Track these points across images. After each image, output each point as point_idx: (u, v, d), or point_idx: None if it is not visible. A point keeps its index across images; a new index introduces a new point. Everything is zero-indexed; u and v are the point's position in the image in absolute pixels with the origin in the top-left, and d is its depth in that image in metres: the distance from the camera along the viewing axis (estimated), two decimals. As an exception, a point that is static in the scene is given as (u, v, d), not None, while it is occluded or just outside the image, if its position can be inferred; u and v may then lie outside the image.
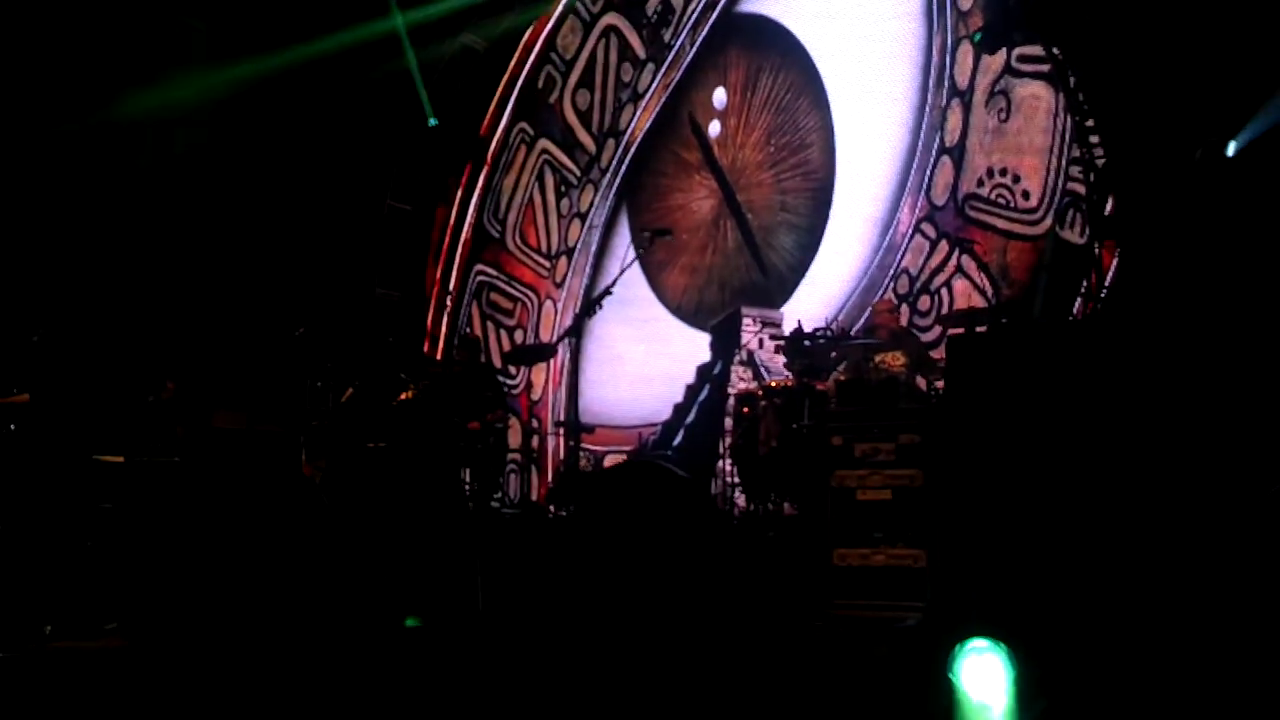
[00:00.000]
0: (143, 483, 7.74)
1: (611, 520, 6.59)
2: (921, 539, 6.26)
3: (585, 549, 6.77)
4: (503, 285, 11.93)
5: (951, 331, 7.76)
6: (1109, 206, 8.11)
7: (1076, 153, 8.37)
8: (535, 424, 11.20)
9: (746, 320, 9.89)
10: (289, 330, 9.37)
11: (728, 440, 9.05)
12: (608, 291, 7.65)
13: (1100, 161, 8.14)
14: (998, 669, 3.82)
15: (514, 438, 10.51)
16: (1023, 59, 8.79)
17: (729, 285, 10.46)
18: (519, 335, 11.75)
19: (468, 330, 11.78)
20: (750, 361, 9.86)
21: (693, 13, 11.02)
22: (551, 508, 9.64)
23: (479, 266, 12.08)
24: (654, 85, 11.25)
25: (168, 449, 8.56)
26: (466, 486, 8.96)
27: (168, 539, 7.27)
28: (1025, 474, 5.43)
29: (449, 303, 12.02)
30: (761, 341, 9.77)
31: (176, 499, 7.55)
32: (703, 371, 10.29)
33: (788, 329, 8.59)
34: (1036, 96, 8.77)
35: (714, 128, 10.79)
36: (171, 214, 10.85)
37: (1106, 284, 7.99)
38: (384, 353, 9.90)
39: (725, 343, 10.11)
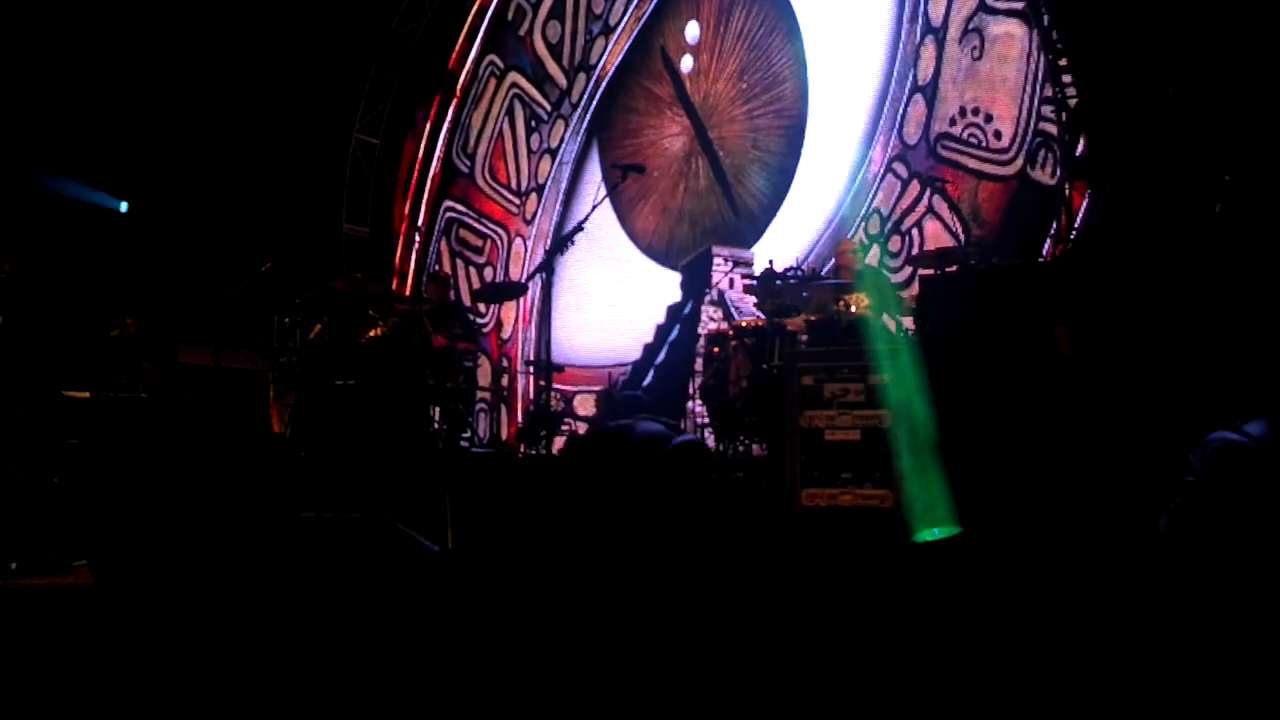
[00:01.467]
0: (109, 418, 7.67)
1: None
2: (889, 479, 6.30)
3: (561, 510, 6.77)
4: (472, 221, 11.82)
5: (922, 272, 7.75)
6: (1080, 147, 8.09)
7: (1049, 92, 8.33)
8: (505, 363, 11.16)
9: (717, 259, 9.85)
10: (256, 265, 9.25)
11: (698, 380, 9.05)
12: (579, 228, 7.57)
13: (1073, 101, 8.12)
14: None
15: (483, 376, 10.47)
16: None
17: (700, 224, 10.40)
18: (489, 272, 11.67)
19: (437, 267, 11.68)
20: (721, 301, 9.83)
21: (665, -56, 10.85)
22: (522, 446, 9.64)
23: (448, 202, 11.96)
24: (626, 18, 11.09)
25: (134, 385, 8.48)
26: (435, 425, 8.93)
27: (135, 475, 7.21)
28: (990, 411, 5.47)
29: (418, 239, 11.90)
30: (732, 281, 9.74)
31: (143, 434, 7.49)
32: (673, 311, 10.26)
33: (759, 269, 8.56)
34: (1010, 34, 8.69)
35: (686, 62, 10.66)
36: (136, 147, 10.66)
37: (1076, 225, 8.00)
38: (352, 290, 9.80)
39: (696, 282, 10.07)
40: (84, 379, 8.21)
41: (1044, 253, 8.25)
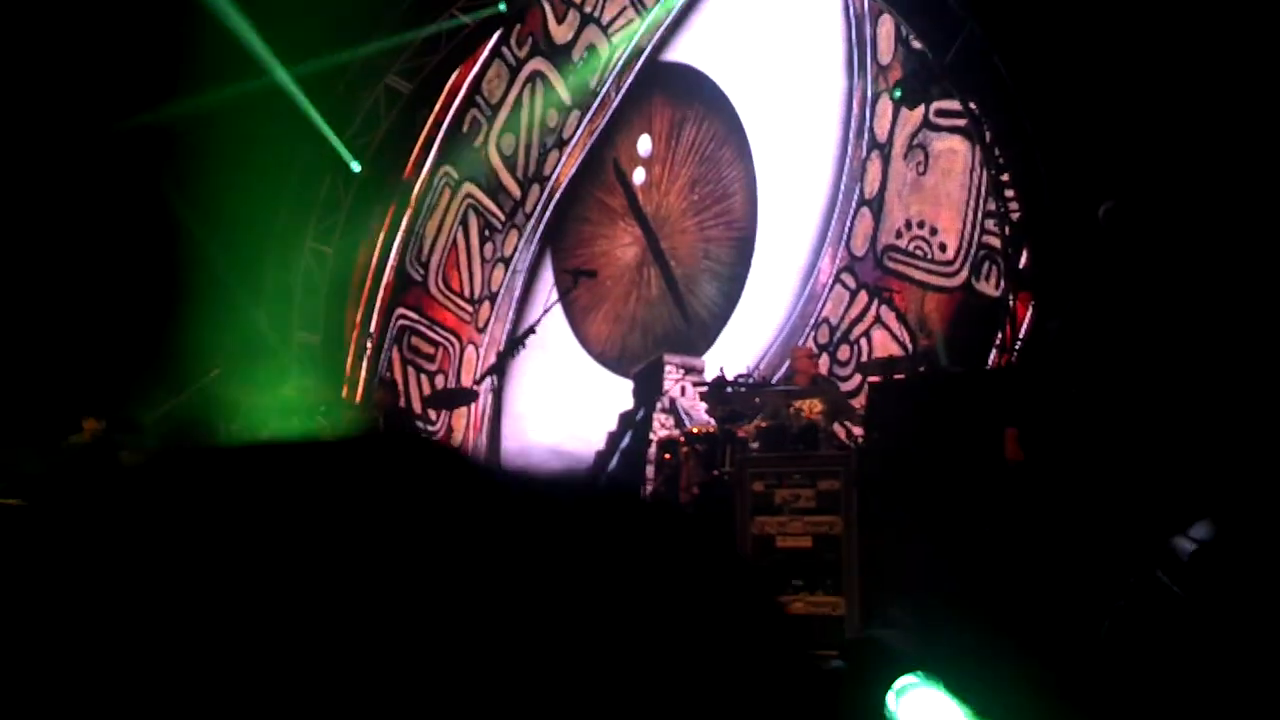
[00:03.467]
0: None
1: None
2: (840, 586, 6.27)
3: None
4: (424, 329, 11.83)
5: (870, 379, 7.83)
6: (1024, 259, 8.27)
7: (992, 206, 8.54)
8: (455, 470, 11.05)
9: (669, 367, 9.90)
10: (204, 370, 9.19)
11: (649, 487, 9.01)
12: (531, 330, 7.62)
13: (1015, 215, 8.32)
14: (935, 703, 3.80)
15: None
16: (940, 113, 8.96)
17: (652, 332, 10.47)
18: (440, 380, 11.64)
19: (387, 374, 11.64)
20: (672, 409, 9.85)
21: (618, 61, 11.10)
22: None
23: (400, 310, 11.97)
24: (579, 131, 11.29)
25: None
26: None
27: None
28: (944, 517, 5.48)
29: (369, 346, 11.88)
30: (684, 388, 9.77)
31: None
32: (625, 418, 10.26)
33: (710, 376, 8.61)
34: (953, 150, 8.94)
35: (638, 174, 10.85)
36: (88, 247, 10.61)
37: (1021, 336, 8.13)
38: (296, 395, 9.74)
39: (648, 389, 10.09)
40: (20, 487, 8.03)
41: (990, 362, 8.37)
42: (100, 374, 9.98)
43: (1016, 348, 8.10)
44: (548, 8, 11.52)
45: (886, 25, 9.31)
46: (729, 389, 8.08)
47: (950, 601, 5.14)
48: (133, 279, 10.72)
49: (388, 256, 12.03)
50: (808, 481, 6.56)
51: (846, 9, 9.64)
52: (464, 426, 11.26)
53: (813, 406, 8.03)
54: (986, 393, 6.69)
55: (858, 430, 7.78)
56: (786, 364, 9.04)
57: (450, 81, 11.93)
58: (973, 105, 8.54)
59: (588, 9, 11.31)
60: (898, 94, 8.76)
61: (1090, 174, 7.61)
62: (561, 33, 11.48)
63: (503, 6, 10.94)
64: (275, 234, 11.59)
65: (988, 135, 8.44)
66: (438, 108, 12.00)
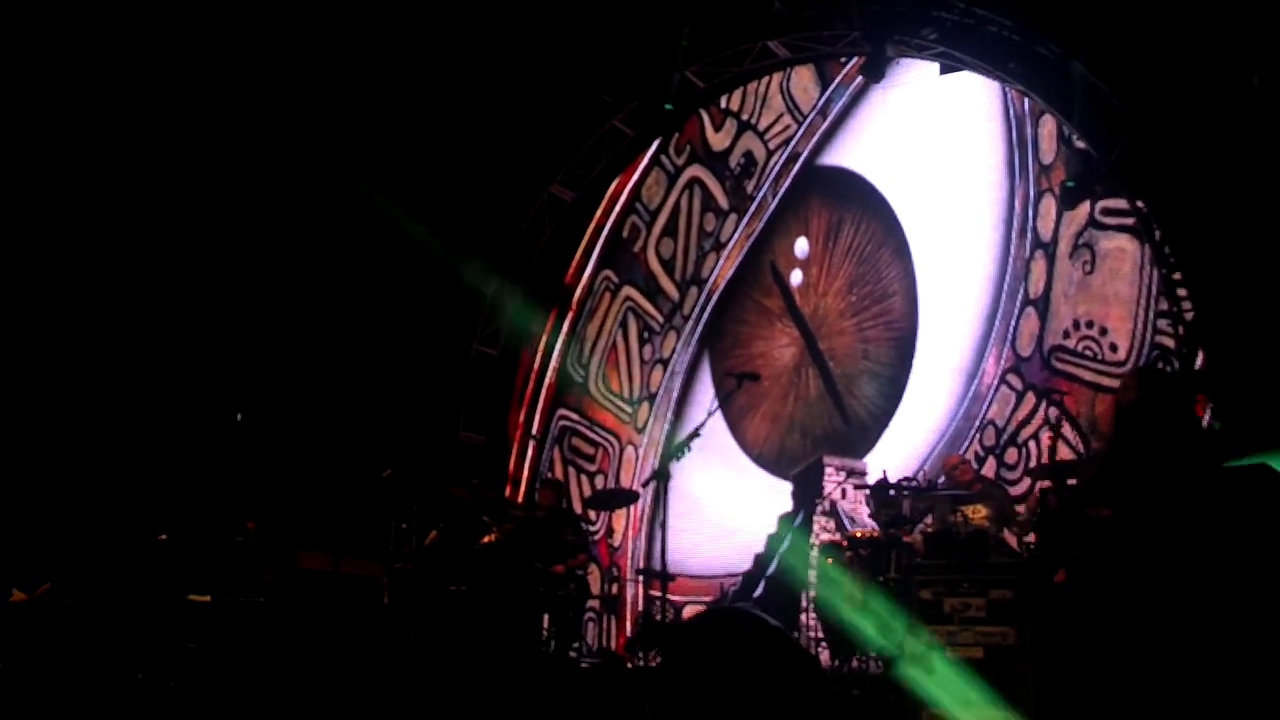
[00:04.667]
0: (228, 622, 7.82)
1: (700, 672, 6.47)
2: (1016, 700, 6.07)
3: (671, 702, 6.65)
4: (585, 430, 12.04)
5: (1040, 484, 7.64)
6: (1199, 360, 8.02)
7: (1165, 306, 8.33)
8: (615, 571, 11.14)
9: (829, 469, 9.83)
10: (376, 472, 9.51)
11: (810, 593, 8.91)
12: (696, 433, 7.68)
13: (1189, 315, 8.09)
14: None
15: (594, 584, 10.44)
16: (1106, 211, 8.83)
17: (811, 433, 10.43)
18: (600, 480, 11.79)
19: (549, 474, 11.85)
20: (833, 511, 9.76)
21: (775, 165, 11.28)
22: (630, 658, 9.52)
23: (561, 411, 12.22)
24: (736, 234, 11.46)
25: (253, 589, 8.66)
26: (545, 633, 8.90)
27: (251, 679, 7.29)
28: (1126, 634, 5.27)
29: (531, 447, 12.13)
30: (844, 491, 9.68)
31: (261, 639, 7.59)
32: (784, 520, 10.20)
33: (871, 479, 8.52)
34: (1122, 249, 8.77)
35: (796, 276, 10.92)
36: (258, 355, 11.19)
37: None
38: (468, 496, 9.98)
39: (807, 491, 10.03)
40: (206, 583, 8.42)
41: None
42: (271, 476, 10.42)
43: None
44: (705, 116, 11.81)
45: (1048, 125, 9.25)
46: (892, 492, 7.98)
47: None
48: (302, 384, 11.25)
49: (550, 358, 12.34)
50: (978, 590, 6.42)
51: (1006, 110, 9.63)
52: (624, 527, 11.35)
53: (977, 512, 7.86)
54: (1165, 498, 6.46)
55: (1029, 537, 7.57)
56: (941, 477, 8.85)
57: (611, 189, 12.28)
58: (1140, 204, 8.39)
59: (745, 116, 11.55)
60: (1071, 184, 8.63)
61: (1266, 271, 7.39)
62: (719, 140, 11.73)
63: (669, 106, 11.13)
64: (442, 338, 12.02)
65: (1157, 233, 8.27)
66: (598, 214, 12.35)
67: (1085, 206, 8.94)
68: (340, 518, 10.13)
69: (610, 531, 11.39)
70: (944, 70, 9.75)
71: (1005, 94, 9.59)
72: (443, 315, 11.93)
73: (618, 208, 12.33)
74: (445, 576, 8.83)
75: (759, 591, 10.12)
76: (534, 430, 12.17)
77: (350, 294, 11.56)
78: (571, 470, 11.98)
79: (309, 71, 11.15)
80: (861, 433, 10.07)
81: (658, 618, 8.83)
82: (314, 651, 7.46)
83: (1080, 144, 8.77)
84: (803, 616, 9.04)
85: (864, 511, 8.76)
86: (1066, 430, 8.73)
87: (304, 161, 11.34)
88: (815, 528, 9.76)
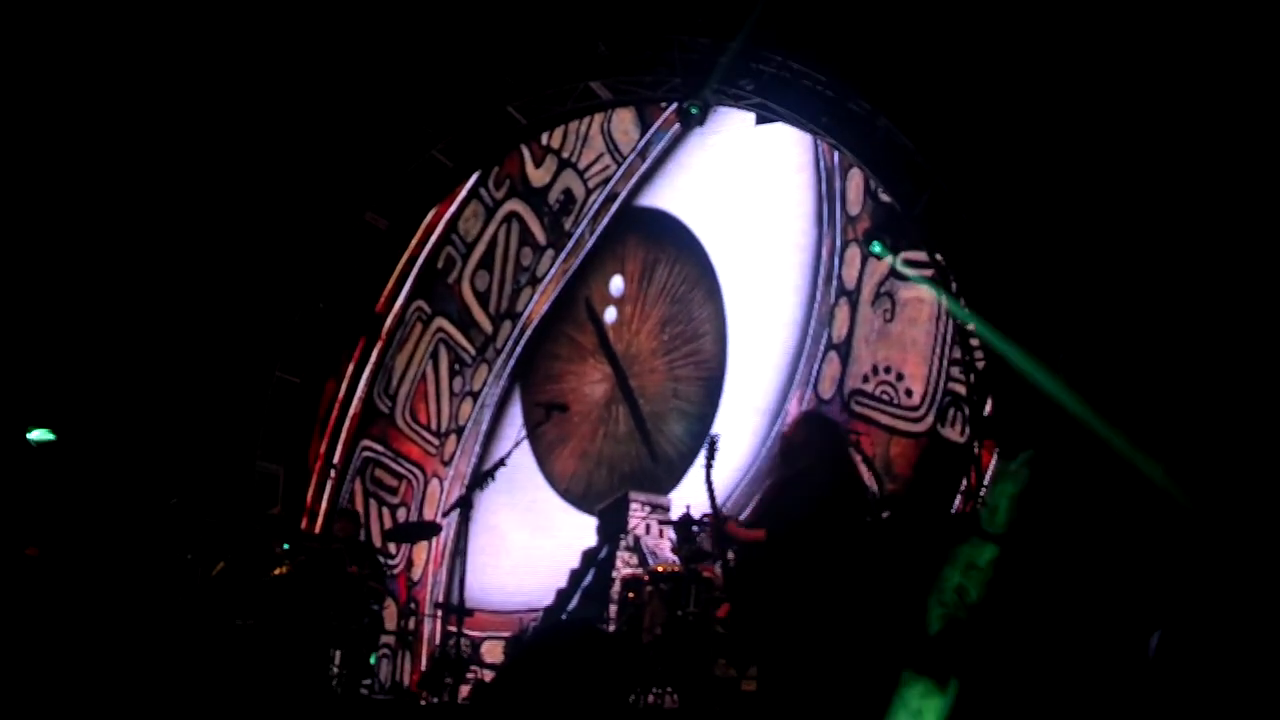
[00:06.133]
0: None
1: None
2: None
3: None
4: (389, 461, 11.74)
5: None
6: (988, 407, 8.37)
7: (958, 354, 8.67)
8: (414, 605, 10.84)
9: (634, 505, 9.84)
10: (163, 499, 9.06)
11: (611, 627, 8.86)
12: (501, 463, 7.59)
13: (980, 364, 8.45)
14: None
15: (390, 619, 10.13)
16: (908, 263, 9.16)
17: (618, 469, 10.44)
18: (402, 513, 11.50)
19: (347, 506, 11.49)
20: (636, 547, 9.76)
21: (594, 204, 11.34)
22: (424, 694, 9.25)
23: (365, 442, 11.89)
24: (553, 270, 11.45)
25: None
26: (335, 669, 8.58)
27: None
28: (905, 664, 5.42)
29: (332, 477, 11.75)
30: (649, 527, 9.70)
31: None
32: (588, 556, 10.15)
33: (676, 514, 8.55)
34: (920, 299, 9.12)
35: (610, 314, 10.97)
36: (43, 371, 10.55)
37: (985, 482, 8.17)
38: (259, 526, 9.60)
39: (612, 527, 10.02)
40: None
41: (954, 507, 8.39)
42: (52, 498, 9.83)
43: (981, 494, 8.13)
44: (526, 152, 11.79)
45: (856, 178, 9.59)
46: (695, 528, 8.02)
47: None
48: (89, 404, 10.65)
49: (356, 387, 12.01)
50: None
51: (817, 162, 9.94)
52: (424, 561, 11.08)
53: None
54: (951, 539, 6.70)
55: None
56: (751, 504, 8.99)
57: (427, 219, 12.09)
58: (939, 256, 8.75)
59: (565, 154, 11.59)
60: (877, 248, 8.91)
61: (1053, 324, 7.78)
62: (539, 176, 11.74)
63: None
64: (242, 363, 11.55)
65: (954, 285, 8.62)
66: (413, 243, 12.14)
67: (888, 257, 9.27)
68: (125, 546, 9.59)
69: (410, 565, 11.10)
70: (760, 120, 9.99)
71: (817, 146, 9.90)
72: (245, 339, 11.46)
73: (433, 238, 12.15)
74: (232, 609, 8.43)
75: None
76: (335, 461, 11.79)
77: (147, 314, 11.02)
78: (373, 502, 11.65)
79: (117, 81, 10.66)
80: (668, 470, 10.13)
81: (453, 654, 8.63)
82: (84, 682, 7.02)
83: (885, 198, 9.11)
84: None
85: (667, 547, 8.78)
86: (862, 470, 8.98)
87: (102, 173, 10.81)
88: (618, 563, 9.74)
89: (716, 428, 9.93)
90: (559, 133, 11.63)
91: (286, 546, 9.23)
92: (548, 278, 11.47)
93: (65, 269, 10.77)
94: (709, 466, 6.40)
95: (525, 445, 9.66)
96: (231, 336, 11.22)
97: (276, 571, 8.71)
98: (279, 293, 11.51)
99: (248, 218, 11.01)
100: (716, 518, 6.10)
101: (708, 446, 6.34)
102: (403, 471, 11.63)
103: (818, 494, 5.32)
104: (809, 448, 5.42)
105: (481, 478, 7.73)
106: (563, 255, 11.43)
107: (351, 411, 11.98)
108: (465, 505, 7.60)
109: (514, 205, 11.87)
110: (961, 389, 8.63)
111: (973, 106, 8.26)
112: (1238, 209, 6.74)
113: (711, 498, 6.17)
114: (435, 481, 11.44)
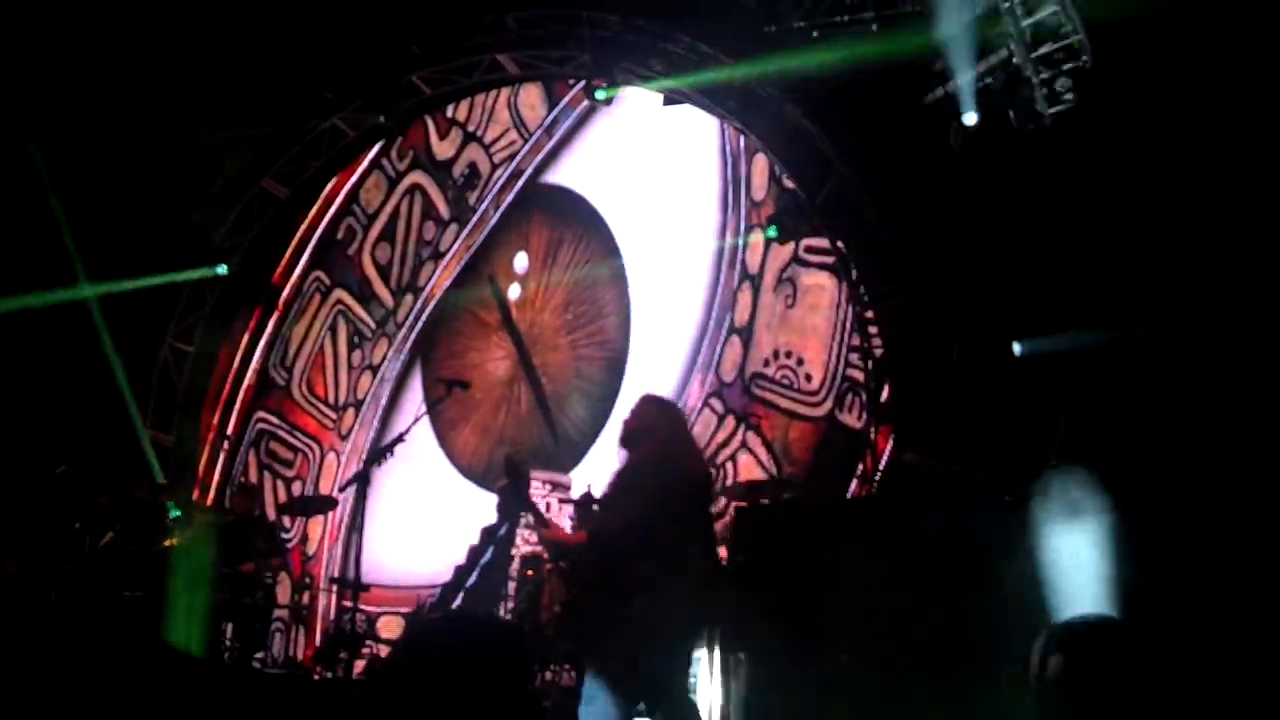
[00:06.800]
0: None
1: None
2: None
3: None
4: (284, 434, 11.56)
5: (736, 503, 7.93)
6: (885, 393, 8.57)
7: (856, 341, 8.86)
8: (308, 580, 10.72)
9: (535, 482, 9.85)
10: (50, 467, 8.80)
11: (510, 604, 8.88)
12: (400, 438, 7.50)
13: (878, 351, 8.65)
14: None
15: (283, 593, 10.01)
16: (810, 250, 9.32)
17: (520, 447, 10.43)
18: (298, 486, 11.35)
19: (243, 479, 11.30)
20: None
21: (499, 179, 11.28)
22: (318, 668, 9.17)
23: (260, 414, 11.70)
24: (456, 245, 11.37)
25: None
26: (227, 642, 8.46)
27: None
28: (809, 639, 5.56)
29: (225, 449, 11.53)
30: (549, 504, 9.73)
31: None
32: (488, 533, 10.13)
33: (577, 494, 8.60)
34: (821, 285, 9.28)
35: (514, 290, 10.94)
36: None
37: (881, 466, 8.38)
38: (149, 497, 9.39)
39: (513, 504, 10.01)
40: None
41: (850, 491, 8.58)
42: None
43: (876, 478, 8.34)
44: (431, 124, 11.66)
45: (761, 164, 9.70)
46: (595, 506, 8.07)
47: None
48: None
49: (251, 358, 11.78)
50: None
51: (724, 146, 10.03)
52: (320, 535, 10.96)
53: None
54: (847, 521, 6.87)
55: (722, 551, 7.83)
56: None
57: (328, 189, 11.89)
58: (840, 244, 8.91)
59: (471, 128, 11.50)
60: (773, 232, 9.04)
61: (951, 314, 7.99)
62: (443, 149, 11.62)
63: (383, 119, 11.00)
64: (133, 329, 11.23)
65: (854, 273, 8.80)
66: (313, 213, 11.94)
67: (790, 244, 9.42)
68: (9, 515, 9.30)
69: (305, 539, 10.97)
70: (668, 101, 10.04)
71: (724, 130, 9.98)
72: (137, 307, 11.14)
73: (333, 208, 11.96)
74: (120, 581, 8.25)
75: (457, 603, 9.99)
76: (229, 432, 11.57)
77: (34, 278, 10.64)
78: (268, 475, 11.47)
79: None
80: (569, 449, 10.17)
81: (347, 629, 8.56)
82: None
83: (789, 184, 9.23)
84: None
85: (567, 526, 8.81)
86: (761, 453, 9.14)
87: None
88: (518, 540, 9.75)
89: (618, 408, 10.04)
90: (465, 106, 11.53)
91: (176, 514, 9.08)
92: (451, 252, 11.39)
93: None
94: (516, 488, 6.31)
95: (425, 421, 9.61)
96: (124, 303, 10.91)
97: (166, 543, 8.55)
98: (173, 258, 11.21)
99: (143, 181, 10.69)
100: (539, 525, 6.00)
101: (507, 465, 6.19)
102: (298, 444, 11.47)
103: (656, 483, 5.07)
104: (651, 433, 5.23)
105: (380, 453, 7.65)
106: (466, 230, 11.36)
107: (246, 383, 11.77)
108: (363, 480, 7.50)
109: (417, 177, 11.75)
110: (860, 375, 8.82)
111: (874, 94, 8.34)
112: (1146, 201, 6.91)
113: (534, 510, 6.06)
114: (332, 455, 11.31)
